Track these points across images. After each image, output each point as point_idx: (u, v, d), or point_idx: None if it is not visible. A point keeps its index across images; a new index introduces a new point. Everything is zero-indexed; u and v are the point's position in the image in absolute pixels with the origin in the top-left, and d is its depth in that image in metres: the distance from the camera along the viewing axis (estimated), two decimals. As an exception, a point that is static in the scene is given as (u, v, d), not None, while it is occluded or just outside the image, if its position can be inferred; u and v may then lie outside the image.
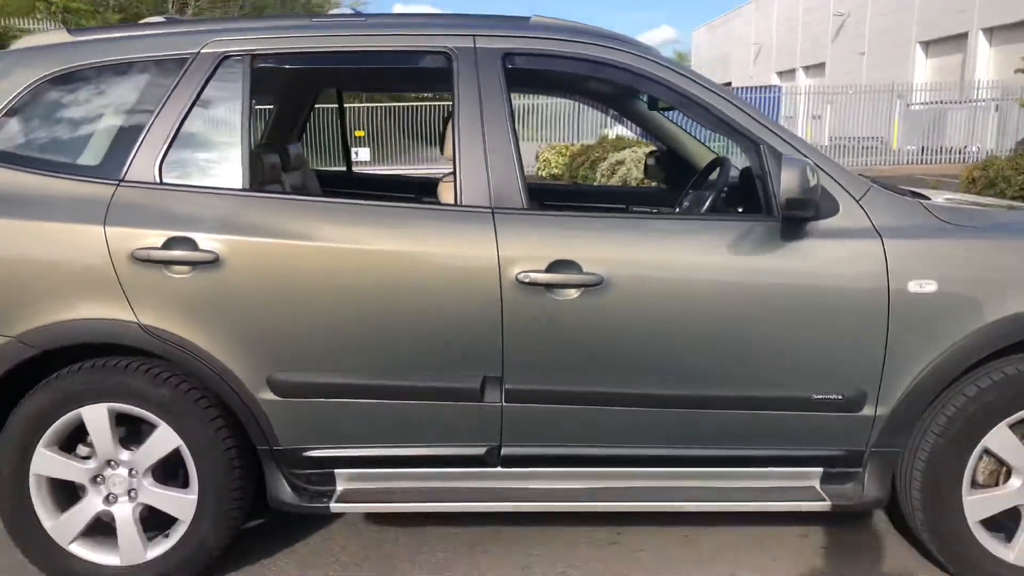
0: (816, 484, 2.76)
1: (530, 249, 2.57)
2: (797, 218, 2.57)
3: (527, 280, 2.55)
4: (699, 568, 2.89)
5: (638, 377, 2.62)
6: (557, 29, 2.81)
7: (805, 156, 2.60)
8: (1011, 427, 2.65)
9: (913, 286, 2.57)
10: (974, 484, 2.71)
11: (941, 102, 26.89)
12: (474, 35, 2.72)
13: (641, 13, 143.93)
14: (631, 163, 14.88)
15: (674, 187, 3.99)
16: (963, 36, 30.01)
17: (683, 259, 2.61)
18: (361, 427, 2.67)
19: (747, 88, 34.31)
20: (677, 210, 3.45)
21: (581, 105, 26.38)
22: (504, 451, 2.69)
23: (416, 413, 2.65)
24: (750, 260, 2.61)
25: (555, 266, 2.56)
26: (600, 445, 2.70)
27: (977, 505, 2.69)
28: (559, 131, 25.94)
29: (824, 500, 2.70)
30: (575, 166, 18.33)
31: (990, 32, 28.88)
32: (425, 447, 2.70)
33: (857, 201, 2.65)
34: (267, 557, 2.98)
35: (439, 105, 25.73)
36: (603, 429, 2.68)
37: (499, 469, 2.73)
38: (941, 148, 24.70)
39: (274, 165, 3.28)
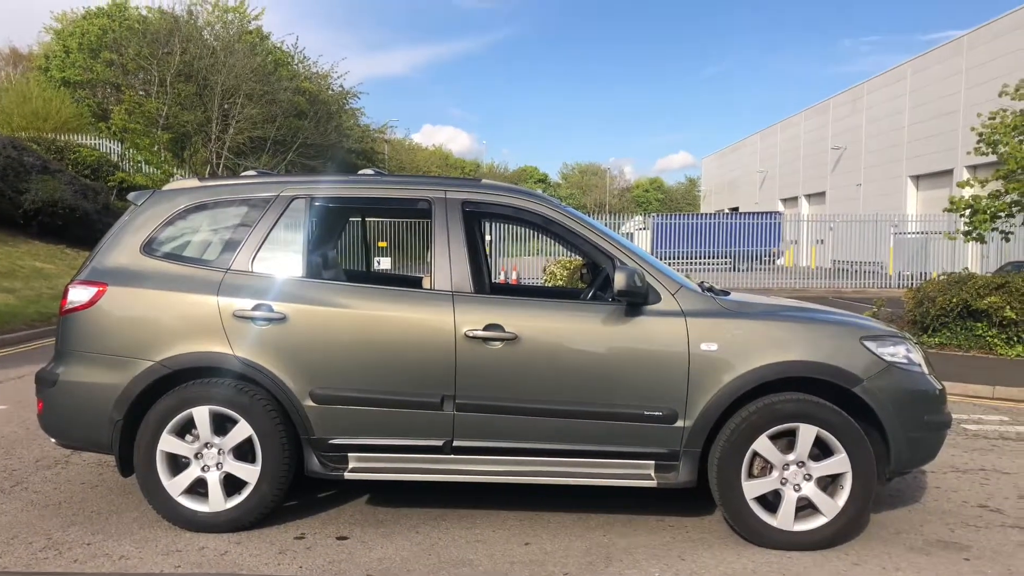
0: (652, 471, 4.33)
1: (474, 316, 4.27)
2: (632, 303, 4.26)
3: (471, 335, 4.24)
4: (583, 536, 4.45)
5: (539, 397, 4.26)
6: (496, 187, 4.60)
7: (639, 266, 4.31)
8: (770, 438, 4.24)
9: (704, 347, 4.24)
10: (751, 475, 4.28)
11: (926, 232, 28.91)
12: (445, 190, 4.52)
13: (660, 138, 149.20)
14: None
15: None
16: (949, 172, 32.19)
17: (568, 325, 4.31)
18: (366, 425, 4.31)
19: (751, 213, 36.64)
20: (582, 298, 5.16)
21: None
22: (455, 443, 4.31)
23: (400, 417, 4.29)
24: (608, 328, 4.29)
25: (489, 327, 4.25)
26: (518, 440, 4.30)
27: (751, 488, 4.26)
28: (559, 248, 27.98)
29: (653, 481, 4.27)
30: (574, 278, 20.19)
31: (974, 169, 31.08)
32: (406, 439, 4.32)
33: (672, 295, 4.34)
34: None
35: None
36: (519, 430, 4.29)
37: (452, 456, 4.34)
38: (923, 274, 26.45)
39: (322, 263, 5.03)
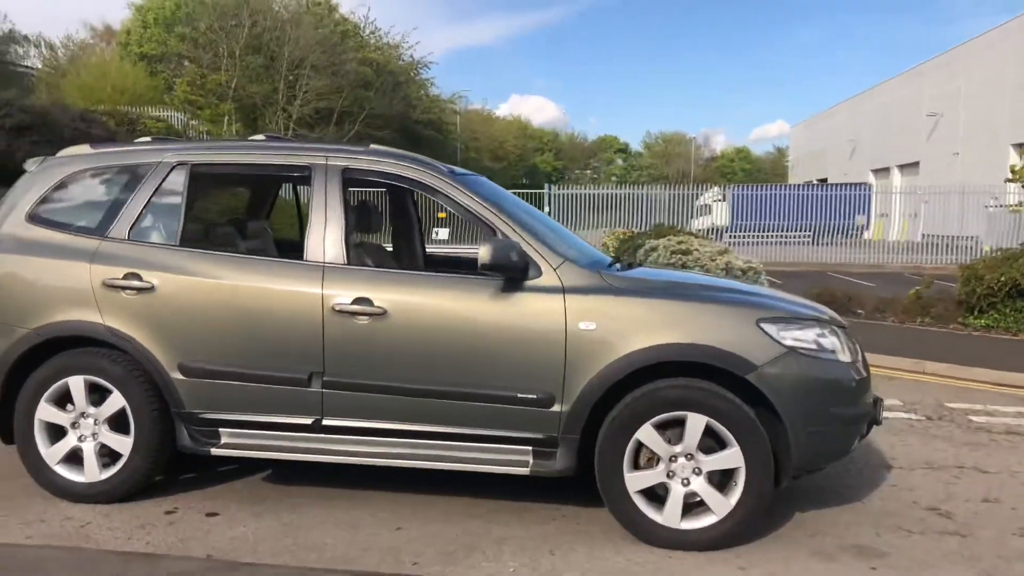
0: (530, 458, 4.04)
1: (343, 289, 4.05)
2: (510, 278, 3.96)
3: (339, 309, 4.02)
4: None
5: (408, 376, 4.02)
6: (382, 153, 4.34)
7: (523, 239, 4.00)
8: (658, 427, 3.90)
9: (582, 326, 3.91)
10: (636, 466, 3.95)
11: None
12: (327, 156, 4.29)
13: (755, 107, 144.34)
14: (663, 249, 16.13)
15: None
16: (1054, 139, 30.04)
17: (440, 301, 4.04)
18: (235, 400, 4.16)
19: (837, 185, 35.11)
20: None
21: (651, 195, 27.87)
22: (325, 422, 4.12)
23: (269, 393, 4.13)
24: (482, 304, 4.00)
25: (357, 301, 4.03)
26: (389, 421, 4.09)
27: (635, 480, 3.93)
28: (631, 218, 27.39)
29: (526, 468, 3.99)
30: (622, 250, 19.72)
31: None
32: (275, 416, 4.16)
33: (554, 269, 4.02)
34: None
35: (537, 193, 27.63)
36: (390, 410, 4.06)
37: (322, 435, 4.15)
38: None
39: (226, 233, 4.88)
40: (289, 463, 4.61)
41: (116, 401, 4.20)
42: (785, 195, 30.98)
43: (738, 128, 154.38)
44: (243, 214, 5.48)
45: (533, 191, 28.28)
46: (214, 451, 4.20)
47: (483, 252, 3.84)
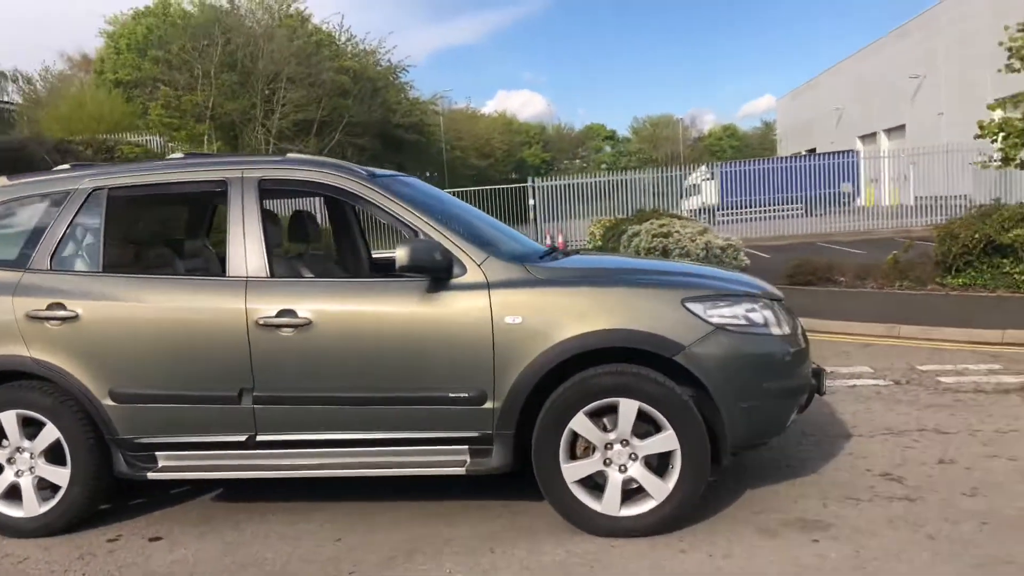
0: (467, 457, 4.00)
1: (266, 302, 4.01)
2: (435, 279, 3.92)
3: (263, 322, 3.99)
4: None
5: (337, 385, 3.98)
6: (299, 162, 4.29)
7: (445, 237, 3.95)
8: (591, 415, 3.85)
9: (508, 320, 3.86)
10: (574, 456, 3.91)
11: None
12: (242, 169, 4.25)
13: (742, 83, 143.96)
14: (644, 234, 16.10)
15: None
16: (1033, 93, 29.82)
17: (364, 307, 4.00)
18: (169, 423, 4.13)
19: (825, 154, 34.90)
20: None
21: (637, 180, 27.77)
22: (259, 437, 4.09)
23: (201, 413, 4.09)
24: (409, 306, 3.96)
25: (281, 313, 3.99)
26: (323, 432, 4.05)
27: (572, 471, 3.89)
28: (620, 204, 27.27)
29: (462, 468, 3.95)
30: (607, 237, 19.67)
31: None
32: (209, 436, 4.12)
33: (478, 265, 3.97)
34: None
35: (500, 188, 27.60)
36: (323, 420, 4.03)
37: (257, 451, 4.11)
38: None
39: (154, 255, 4.84)
40: (236, 481, 4.58)
41: (50, 433, 4.17)
42: (773, 168, 30.79)
43: (726, 106, 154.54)
44: (176, 234, 5.42)
45: (518, 185, 28.17)
46: (151, 476, 4.16)
47: (400, 254, 3.79)
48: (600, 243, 21.50)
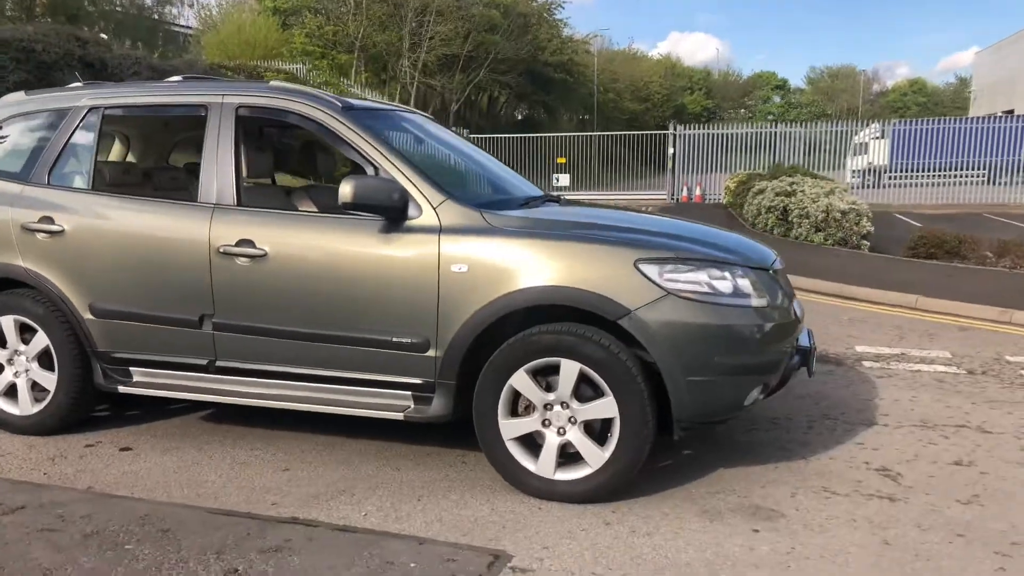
0: (411, 403, 3.92)
1: (228, 231, 4.04)
2: (390, 218, 3.81)
3: (223, 251, 4.02)
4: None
5: (290, 319, 3.98)
6: (276, 90, 4.25)
7: (405, 176, 3.83)
8: (534, 373, 3.68)
9: (455, 268, 3.72)
10: (514, 414, 3.76)
11: None
12: (223, 94, 4.25)
13: (942, 34, 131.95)
14: (769, 191, 15.33)
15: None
16: None
17: (321, 243, 3.95)
18: (140, 341, 4.27)
19: (1020, 116, 31.67)
20: None
21: (793, 134, 26.16)
22: (219, 363, 4.16)
23: (168, 334, 4.20)
24: (361, 246, 3.88)
25: (240, 243, 4.00)
26: (277, 364, 4.07)
27: (508, 428, 3.74)
28: (773, 159, 25.88)
29: (401, 413, 3.87)
30: (736, 193, 18.85)
31: None
32: (175, 356, 4.23)
33: (434, 208, 3.83)
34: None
35: (639, 135, 26.90)
36: (277, 352, 4.05)
37: (217, 376, 4.19)
38: None
39: (145, 174, 4.95)
40: (228, 404, 4.70)
41: (41, 340, 4.41)
42: (955, 129, 28.14)
43: (923, 59, 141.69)
44: (164, 155, 5.47)
45: (658, 132, 27.32)
46: (122, 389, 4.33)
47: (344, 190, 3.70)
48: (730, 199, 20.65)
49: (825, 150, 27.41)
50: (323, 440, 4.48)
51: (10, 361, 4.53)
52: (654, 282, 3.54)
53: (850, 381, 5.83)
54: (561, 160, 26.16)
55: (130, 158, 5.23)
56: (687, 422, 3.65)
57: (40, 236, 4.33)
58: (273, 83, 4.35)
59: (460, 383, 3.81)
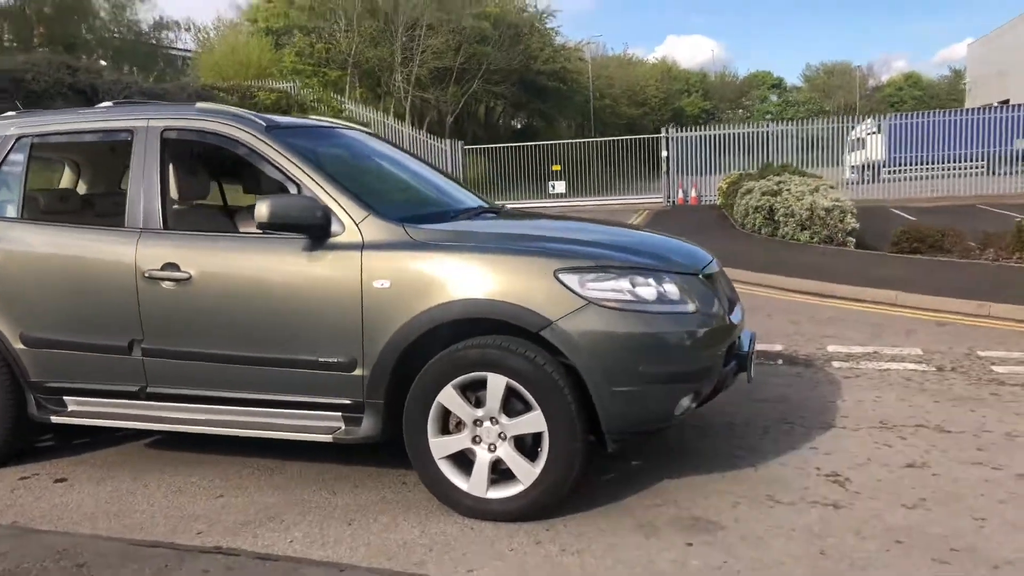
0: (342, 424, 3.83)
1: (153, 255, 3.98)
2: (315, 237, 3.74)
3: (148, 275, 3.95)
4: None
5: (216, 342, 3.90)
6: (201, 111, 4.18)
7: (327, 192, 3.76)
8: (461, 389, 3.59)
9: (376, 284, 3.64)
10: (445, 431, 3.67)
11: None
12: (148, 118, 4.19)
13: (939, 25, 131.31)
14: (756, 191, 15.25)
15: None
16: None
17: (240, 264, 3.89)
18: (71, 369, 4.20)
19: (1020, 106, 31.36)
20: None
21: (785, 132, 25.95)
22: (149, 389, 4.09)
23: (98, 361, 4.13)
24: (284, 265, 3.81)
25: (166, 266, 3.94)
26: (207, 388, 4.00)
27: (439, 447, 3.65)
28: (767, 159, 25.68)
29: (330, 436, 3.79)
30: (727, 193, 18.77)
31: None
32: (107, 384, 4.16)
33: (356, 224, 3.75)
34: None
35: (634, 139, 26.83)
36: (205, 377, 3.97)
37: (149, 403, 4.12)
38: None
39: (73, 201, 4.89)
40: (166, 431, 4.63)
41: (-26, 374, 4.34)
42: (951, 121, 27.93)
43: (920, 52, 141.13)
44: (93, 181, 5.40)
45: (650, 136, 27.23)
46: (55, 419, 4.26)
47: (260, 210, 3.63)
48: (723, 200, 20.55)
49: (822, 147, 27.22)
50: (262, 464, 4.40)
51: (-51, 404, 4.46)
52: (575, 292, 3.46)
53: (816, 383, 5.72)
54: (556, 167, 26.10)
55: (64, 185, 5.17)
56: (617, 433, 3.56)
57: (-33, 268, 4.28)
58: (199, 105, 4.29)
59: (389, 402, 3.72)
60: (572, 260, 3.55)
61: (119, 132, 4.31)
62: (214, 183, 4.94)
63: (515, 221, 4.59)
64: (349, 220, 3.76)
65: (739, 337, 4.08)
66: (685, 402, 3.61)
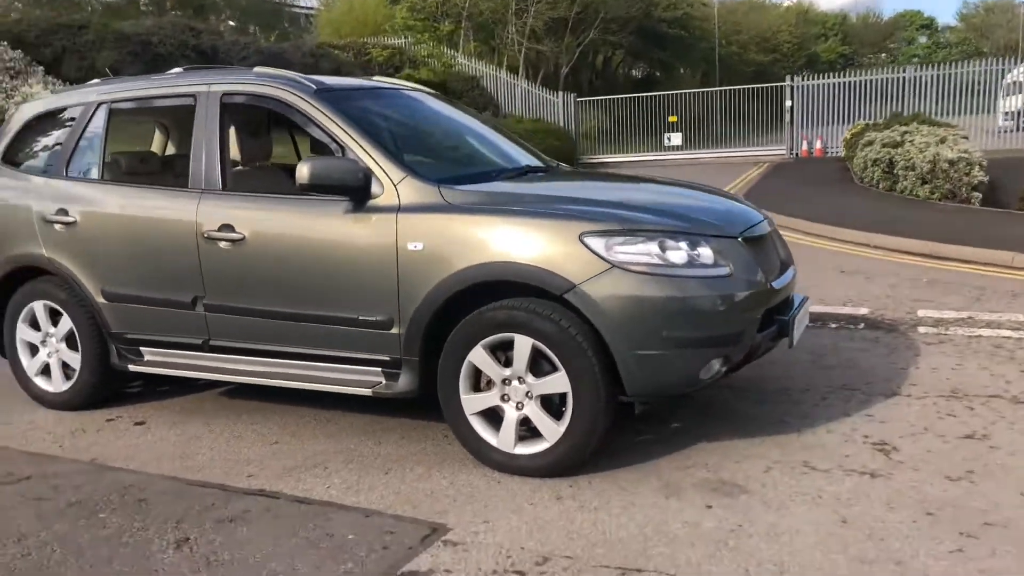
0: (382, 379, 3.99)
1: (211, 216, 4.22)
2: (354, 199, 3.88)
3: (207, 236, 4.20)
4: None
5: (266, 300, 4.12)
6: (255, 75, 4.37)
7: (369, 155, 3.88)
8: (491, 349, 3.67)
9: (410, 246, 3.75)
10: (476, 389, 3.77)
11: None
12: (209, 84, 4.41)
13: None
14: (877, 143, 14.54)
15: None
16: None
17: (289, 225, 4.07)
18: (146, 322, 4.53)
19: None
20: None
21: (926, 77, 24.22)
22: (212, 342, 4.36)
23: (167, 315, 4.44)
24: (328, 226, 3.97)
25: (222, 227, 4.17)
26: (263, 342, 4.24)
27: (470, 403, 3.75)
28: (904, 108, 24.17)
29: (368, 389, 3.95)
30: (850, 145, 17.98)
31: None
32: (175, 337, 4.47)
33: (395, 186, 3.86)
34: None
35: (756, 88, 25.89)
36: (261, 331, 4.21)
37: (211, 354, 4.40)
38: None
39: (149, 164, 5.19)
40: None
41: (66, 323, 4.75)
42: None
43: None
44: (180, 146, 5.62)
45: (773, 85, 26.13)
46: (133, 368, 4.61)
47: (301, 171, 3.78)
48: (847, 152, 19.62)
49: (972, 93, 25.20)
50: (318, 414, 4.63)
51: (43, 342, 4.90)
52: (599, 255, 3.46)
53: (893, 348, 5.49)
54: (672, 119, 25.49)
55: (154, 147, 5.51)
56: (641, 396, 3.57)
57: (57, 227, 4.65)
58: (257, 69, 4.48)
59: (424, 359, 3.84)
60: (599, 223, 3.54)
61: (184, 97, 4.56)
62: (273, 145, 5.14)
63: (557, 182, 4.58)
64: (388, 181, 3.87)
65: (783, 301, 3.98)
66: (715, 365, 3.57)
